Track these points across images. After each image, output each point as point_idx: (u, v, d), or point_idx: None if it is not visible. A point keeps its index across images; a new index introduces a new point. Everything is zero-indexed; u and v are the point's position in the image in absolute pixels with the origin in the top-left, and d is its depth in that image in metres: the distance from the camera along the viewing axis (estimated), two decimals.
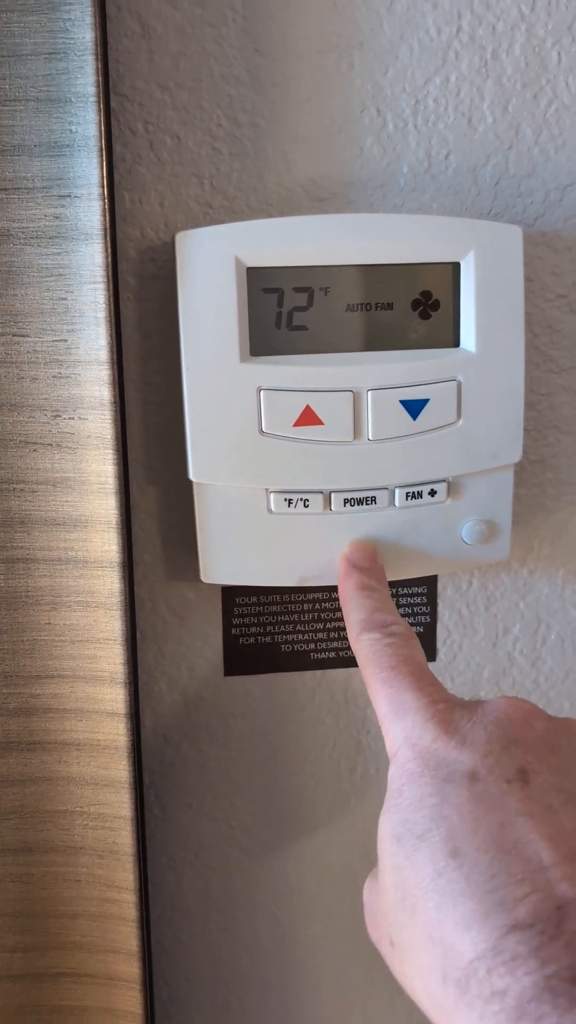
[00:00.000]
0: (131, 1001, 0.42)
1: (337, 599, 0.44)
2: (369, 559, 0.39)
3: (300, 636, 0.44)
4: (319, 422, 0.38)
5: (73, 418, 0.37)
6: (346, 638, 0.44)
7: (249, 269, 0.37)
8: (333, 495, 0.39)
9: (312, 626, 0.44)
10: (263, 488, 0.39)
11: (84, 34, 0.34)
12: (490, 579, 0.45)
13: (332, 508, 0.39)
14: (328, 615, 0.44)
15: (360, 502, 0.39)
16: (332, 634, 0.44)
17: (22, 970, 0.42)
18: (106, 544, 0.37)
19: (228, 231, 0.37)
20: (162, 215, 0.40)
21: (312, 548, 0.40)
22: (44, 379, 0.36)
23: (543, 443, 0.44)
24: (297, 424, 0.38)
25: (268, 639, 0.44)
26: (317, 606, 0.44)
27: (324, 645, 0.44)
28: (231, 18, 0.39)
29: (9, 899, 0.41)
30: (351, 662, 0.44)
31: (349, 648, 0.44)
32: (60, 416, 0.37)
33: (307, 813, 0.46)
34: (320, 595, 0.44)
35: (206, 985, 0.48)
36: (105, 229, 0.35)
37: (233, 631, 0.44)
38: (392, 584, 0.44)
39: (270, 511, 0.39)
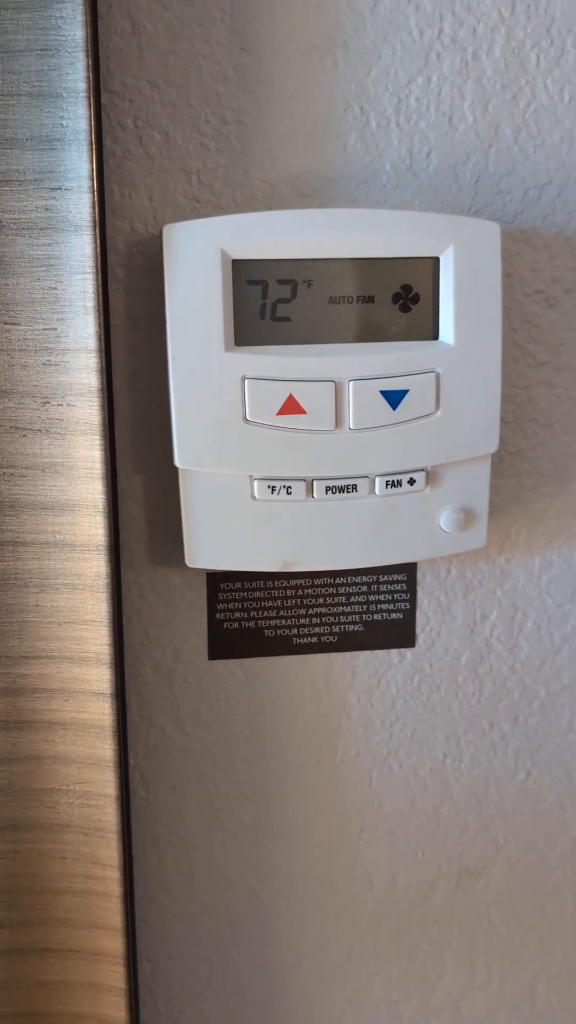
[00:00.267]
0: (115, 976, 0.43)
1: (319, 586, 0.45)
2: None
3: (283, 621, 0.45)
4: (302, 411, 0.39)
5: (62, 405, 0.38)
6: (327, 624, 0.45)
7: (234, 261, 0.38)
8: (315, 483, 0.40)
9: (295, 612, 0.45)
10: (247, 475, 0.40)
11: (75, 31, 0.35)
12: (468, 567, 0.46)
13: (314, 495, 0.40)
14: (310, 601, 0.45)
15: (341, 490, 0.40)
16: (314, 620, 0.45)
17: (7, 945, 0.43)
18: (93, 528, 0.38)
19: (214, 224, 0.38)
20: (150, 208, 0.41)
21: (294, 534, 0.41)
22: (34, 366, 0.37)
23: (521, 435, 0.45)
24: (280, 413, 0.39)
25: (252, 624, 0.45)
26: (300, 592, 0.45)
27: (306, 631, 0.45)
28: (219, 18, 0.40)
29: None
30: (332, 647, 0.46)
31: (330, 634, 0.46)
32: (49, 403, 0.38)
33: (288, 795, 0.47)
34: (303, 581, 0.45)
35: (188, 962, 0.49)
36: (94, 221, 0.36)
37: (218, 616, 0.45)
38: (372, 571, 0.45)
39: (254, 498, 0.40)
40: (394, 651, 0.46)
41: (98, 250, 0.37)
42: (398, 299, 0.40)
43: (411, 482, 0.41)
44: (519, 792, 0.49)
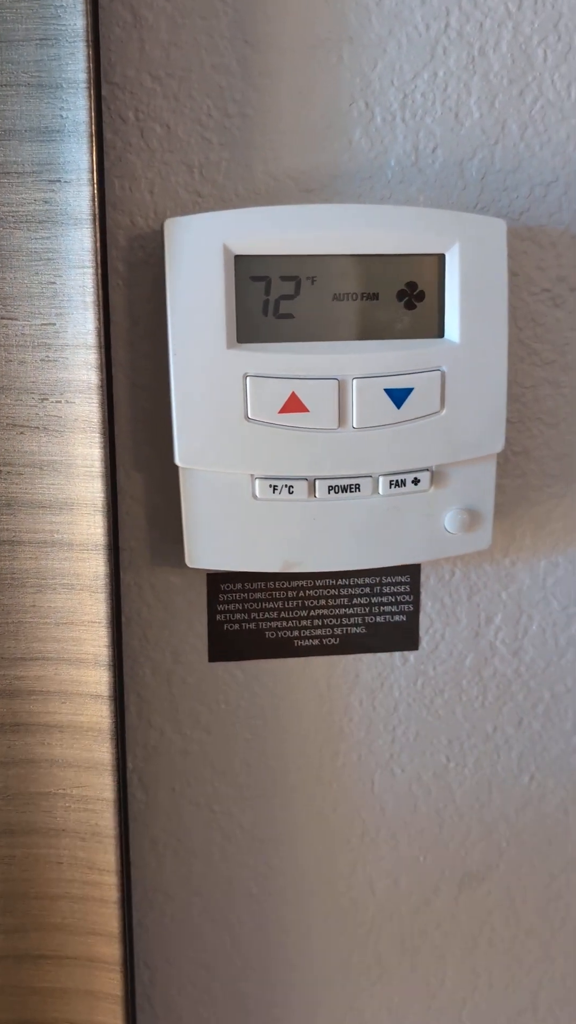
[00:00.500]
0: (112, 983, 0.42)
1: (321, 587, 0.44)
2: None
3: (284, 623, 0.44)
4: (304, 409, 0.38)
5: (60, 402, 0.37)
6: (329, 626, 0.45)
7: (237, 257, 0.38)
8: (317, 482, 0.40)
9: (296, 613, 0.44)
10: (248, 474, 0.39)
11: (75, 21, 0.34)
12: (473, 569, 0.46)
13: (316, 495, 0.40)
14: (312, 603, 0.45)
15: (344, 489, 0.40)
16: (316, 622, 0.45)
17: (2, 952, 0.42)
18: (92, 527, 0.38)
19: (217, 219, 0.37)
20: (151, 202, 0.40)
21: (296, 534, 0.40)
22: (32, 362, 0.37)
23: (527, 435, 0.45)
24: (283, 411, 0.38)
25: (252, 626, 0.44)
26: (301, 593, 0.44)
27: (308, 633, 0.45)
28: (222, 10, 0.39)
29: None
30: (334, 650, 0.45)
31: (332, 636, 0.45)
32: (47, 399, 0.37)
33: (289, 798, 0.47)
34: (304, 583, 0.44)
35: (187, 968, 0.48)
36: (94, 214, 0.36)
37: (218, 617, 0.44)
38: (375, 573, 0.45)
39: (255, 497, 0.39)
40: (397, 654, 0.46)
41: (98, 244, 0.36)
42: (403, 296, 0.39)
43: (415, 482, 0.40)
44: (523, 796, 0.49)
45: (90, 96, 0.35)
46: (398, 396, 0.39)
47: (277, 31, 0.40)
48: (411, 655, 0.46)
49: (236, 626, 0.44)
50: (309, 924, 0.48)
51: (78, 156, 0.35)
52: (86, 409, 0.37)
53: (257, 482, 0.39)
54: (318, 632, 0.45)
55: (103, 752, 0.40)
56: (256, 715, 0.45)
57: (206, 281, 0.37)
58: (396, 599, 0.45)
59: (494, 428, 0.40)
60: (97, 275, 0.36)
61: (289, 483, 0.39)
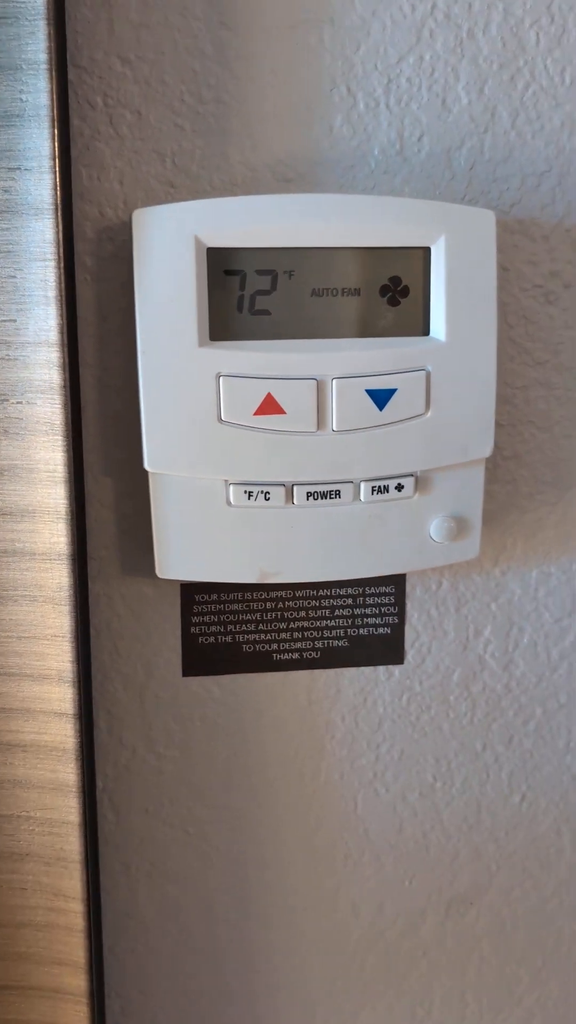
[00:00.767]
0: (78, 1015, 0.40)
1: (301, 598, 0.42)
2: None
3: (262, 636, 0.42)
4: (281, 411, 0.36)
5: (21, 402, 0.35)
6: (310, 639, 0.43)
7: (209, 249, 0.35)
8: (295, 488, 0.37)
9: (275, 626, 0.42)
10: (222, 479, 0.37)
11: None
12: (461, 579, 0.44)
13: (294, 502, 0.38)
14: (291, 615, 0.42)
15: (324, 496, 0.38)
16: (295, 635, 0.42)
17: None
18: (55, 536, 0.36)
19: (188, 209, 0.35)
20: (121, 193, 0.38)
21: (273, 543, 0.38)
22: None
23: (518, 438, 0.43)
24: (258, 413, 0.36)
25: (229, 638, 0.42)
26: (281, 605, 0.42)
27: (287, 646, 0.43)
28: None
29: None
30: (315, 664, 0.43)
31: (313, 649, 0.43)
32: (7, 400, 0.35)
33: (268, 819, 0.44)
34: (283, 593, 0.42)
35: (162, 997, 0.46)
36: (56, 204, 0.34)
37: (192, 629, 0.42)
38: (358, 583, 0.43)
39: (229, 504, 0.37)
40: (381, 668, 0.44)
41: (60, 236, 0.34)
42: (386, 292, 0.37)
43: (399, 488, 0.38)
44: (513, 817, 0.47)
45: (51, 78, 0.33)
46: (380, 397, 0.37)
47: (254, 11, 0.37)
48: (396, 669, 0.44)
49: (212, 639, 0.42)
50: (291, 950, 0.46)
51: (39, 142, 0.33)
52: (48, 410, 0.35)
53: (231, 488, 0.37)
54: (298, 645, 0.43)
55: (68, 773, 0.38)
56: (233, 732, 0.43)
57: (176, 275, 0.35)
58: (380, 610, 0.43)
59: (482, 432, 0.38)
60: (60, 268, 0.34)
61: (265, 489, 0.37)
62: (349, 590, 0.43)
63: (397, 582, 0.43)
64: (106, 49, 0.37)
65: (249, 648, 0.42)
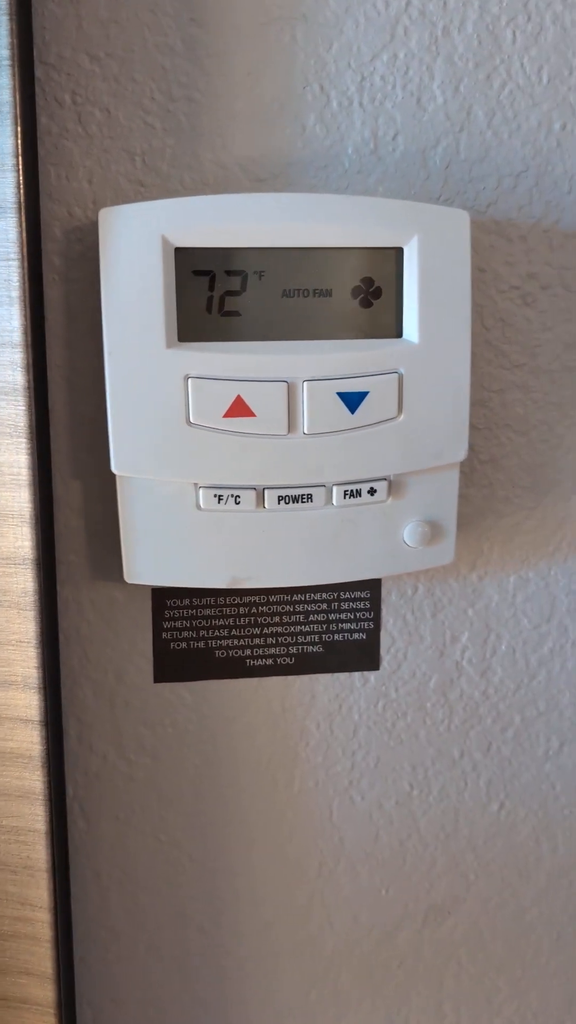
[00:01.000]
0: None
1: (275, 603, 0.42)
2: None
3: (235, 642, 0.42)
4: (251, 414, 0.36)
5: None
6: (283, 645, 0.42)
7: (177, 249, 0.35)
8: (266, 492, 0.37)
9: (248, 631, 0.42)
10: (191, 483, 0.37)
11: None
12: (437, 584, 0.43)
13: (265, 506, 0.37)
14: (265, 620, 0.42)
15: (295, 500, 0.37)
16: (269, 640, 0.42)
17: None
18: (18, 540, 0.35)
19: (155, 208, 0.35)
20: (90, 192, 0.37)
21: (244, 547, 0.37)
22: None
23: (494, 442, 0.42)
24: (227, 415, 0.36)
25: (201, 644, 0.42)
26: (254, 610, 0.42)
27: (260, 652, 0.42)
28: None
29: None
30: (288, 670, 0.42)
31: (287, 655, 0.42)
32: None
33: (241, 827, 0.44)
34: (257, 598, 0.42)
35: (133, 1007, 0.45)
36: (20, 203, 0.33)
37: (164, 635, 0.41)
38: (333, 588, 0.42)
39: (199, 507, 0.37)
40: (357, 674, 0.43)
41: (24, 235, 0.33)
42: (358, 293, 0.36)
43: (371, 492, 0.38)
44: (491, 826, 0.46)
45: (14, 75, 0.33)
46: (352, 400, 0.36)
47: (225, 8, 0.37)
48: (371, 675, 0.43)
49: (184, 644, 0.41)
50: (264, 960, 0.46)
51: (2, 140, 0.33)
52: (12, 412, 0.34)
53: (201, 491, 0.37)
54: (272, 651, 0.42)
55: (34, 780, 0.37)
56: (205, 739, 0.43)
57: (144, 275, 0.35)
58: (355, 616, 0.42)
59: (456, 435, 0.38)
60: (24, 268, 0.34)
61: (235, 492, 0.37)
62: (324, 595, 0.42)
63: (372, 587, 0.42)
64: (74, 46, 0.36)
65: (222, 654, 0.42)
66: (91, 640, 0.41)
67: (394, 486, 0.38)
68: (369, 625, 0.43)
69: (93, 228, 0.37)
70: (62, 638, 0.40)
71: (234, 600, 0.41)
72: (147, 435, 0.36)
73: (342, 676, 0.43)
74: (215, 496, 0.37)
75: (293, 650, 0.42)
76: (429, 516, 0.39)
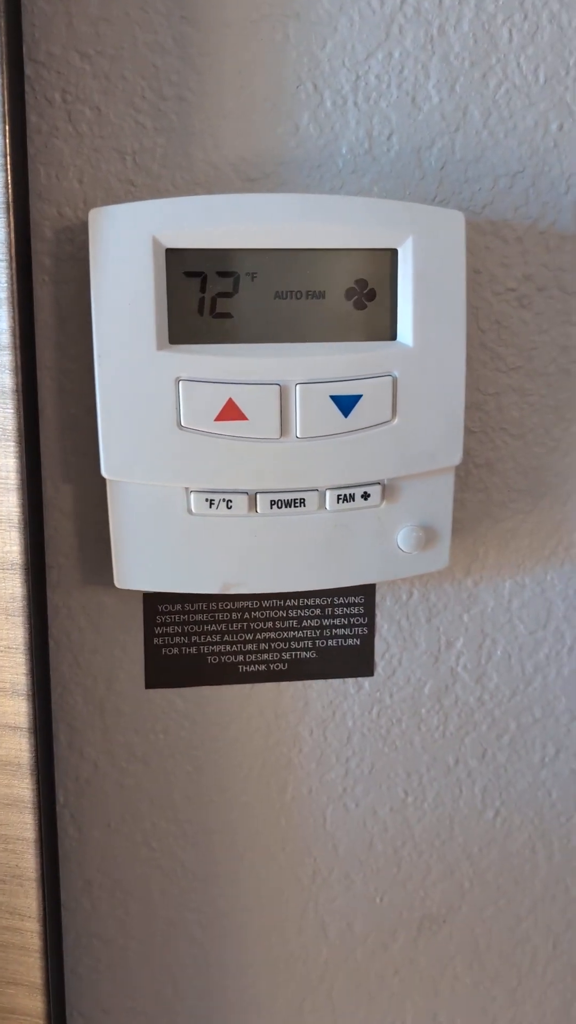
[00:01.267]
0: None
1: (268, 608, 0.41)
2: None
3: (228, 647, 0.41)
4: (243, 417, 0.35)
5: None
6: (277, 651, 0.42)
7: (168, 251, 0.34)
8: (259, 496, 0.36)
9: (240, 637, 0.41)
10: (182, 487, 0.36)
11: None
12: (432, 589, 0.42)
13: (258, 510, 0.36)
14: (258, 625, 0.41)
15: (288, 504, 0.37)
16: (262, 646, 0.41)
17: None
18: (6, 544, 0.35)
19: (146, 208, 0.34)
20: (80, 192, 0.37)
21: (236, 553, 0.37)
22: None
23: (489, 446, 0.42)
24: (219, 419, 0.35)
25: (193, 650, 0.41)
26: (246, 615, 0.41)
27: (253, 657, 0.41)
28: None
29: None
30: (281, 676, 0.42)
31: (280, 661, 0.42)
32: None
33: (234, 835, 0.43)
34: (249, 604, 0.41)
35: (124, 1018, 0.45)
36: (8, 203, 0.33)
37: (155, 641, 0.41)
38: (327, 593, 0.42)
39: (190, 512, 0.36)
40: (351, 680, 0.43)
41: (13, 236, 0.33)
42: (352, 295, 0.36)
43: (365, 496, 0.37)
44: (487, 833, 0.45)
45: (3, 73, 0.32)
46: (345, 404, 0.36)
47: (217, 6, 0.36)
48: (366, 681, 0.43)
49: (175, 650, 0.41)
50: (257, 970, 0.45)
51: None
52: (0, 415, 0.34)
53: (192, 496, 0.36)
54: (265, 657, 0.42)
55: (23, 788, 0.37)
56: (197, 746, 0.42)
57: (134, 277, 0.34)
58: (349, 621, 0.42)
59: (451, 439, 0.37)
60: (12, 269, 0.33)
61: (227, 497, 0.36)
62: (317, 600, 0.42)
63: (366, 592, 0.42)
64: (64, 44, 0.36)
65: (214, 660, 0.41)
66: (81, 646, 0.40)
67: (388, 490, 0.37)
68: (363, 631, 0.42)
69: (83, 228, 0.37)
70: (52, 644, 0.40)
71: (226, 605, 0.41)
72: (138, 439, 0.35)
73: (336, 682, 0.42)
74: (207, 501, 0.36)
75: (286, 656, 0.42)
76: (424, 521, 0.38)
